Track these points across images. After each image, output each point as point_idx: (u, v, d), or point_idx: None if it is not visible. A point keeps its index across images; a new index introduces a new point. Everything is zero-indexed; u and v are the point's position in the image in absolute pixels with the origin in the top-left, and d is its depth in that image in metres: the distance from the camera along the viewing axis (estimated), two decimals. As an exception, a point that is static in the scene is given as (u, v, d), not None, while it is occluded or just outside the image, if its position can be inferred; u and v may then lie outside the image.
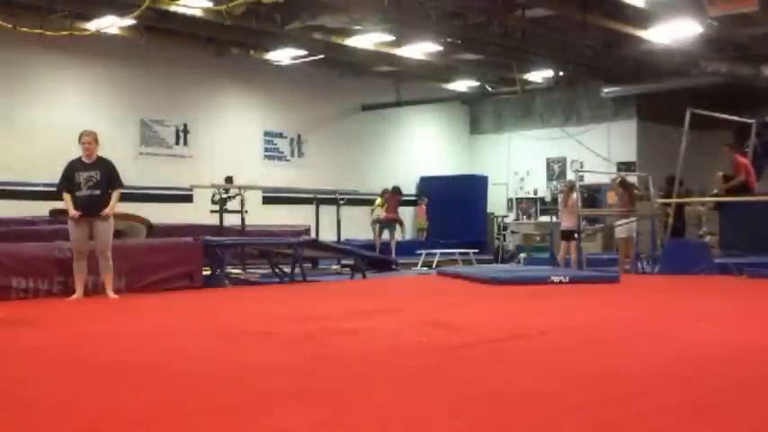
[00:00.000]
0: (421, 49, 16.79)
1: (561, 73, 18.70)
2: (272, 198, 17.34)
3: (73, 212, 8.34)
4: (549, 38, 16.26)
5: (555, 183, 21.21)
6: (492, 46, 16.72)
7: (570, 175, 19.01)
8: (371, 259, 13.49)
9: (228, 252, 10.94)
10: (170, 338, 5.52)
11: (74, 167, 8.52)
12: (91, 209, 8.39)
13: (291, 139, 19.30)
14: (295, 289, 10.48)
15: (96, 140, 8.60)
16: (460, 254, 17.59)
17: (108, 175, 8.53)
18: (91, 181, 8.44)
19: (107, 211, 8.41)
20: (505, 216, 21.59)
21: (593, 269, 12.30)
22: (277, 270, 11.72)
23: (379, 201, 18.03)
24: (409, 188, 21.21)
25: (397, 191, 17.56)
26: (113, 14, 13.52)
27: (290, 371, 4.10)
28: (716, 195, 13.75)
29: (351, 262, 13.00)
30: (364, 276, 12.06)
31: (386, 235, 17.05)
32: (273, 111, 18.86)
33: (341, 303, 8.04)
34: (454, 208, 19.86)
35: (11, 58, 14.65)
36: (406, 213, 21.04)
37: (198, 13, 13.70)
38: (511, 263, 17.61)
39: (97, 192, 8.43)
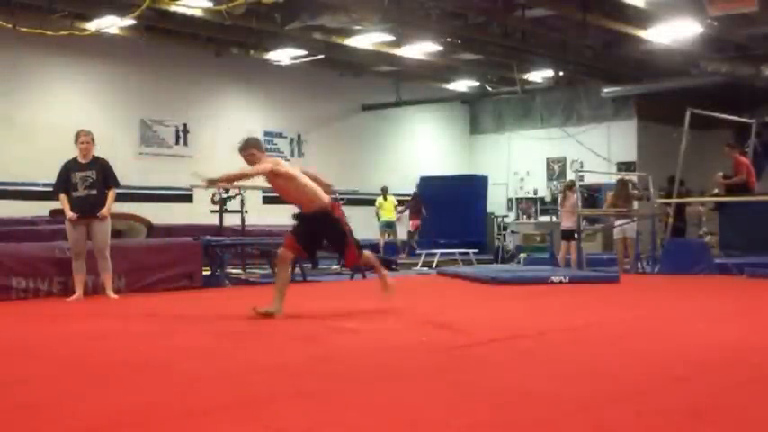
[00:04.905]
0: (421, 49, 16.79)
1: (561, 73, 18.70)
2: (272, 198, 17.29)
3: (70, 215, 8.30)
4: (549, 38, 16.27)
5: (555, 183, 21.20)
6: (492, 46, 16.72)
7: (570, 175, 19.01)
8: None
9: (228, 252, 10.93)
10: (170, 338, 5.52)
11: (70, 168, 8.47)
12: (88, 209, 8.36)
13: (291, 139, 19.29)
14: (295, 289, 10.44)
15: (93, 140, 8.58)
16: (460, 254, 17.58)
17: (104, 175, 8.49)
18: (87, 181, 8.40)
19: (104, 211, 8.37)
20: (505, 216, 21.59)
21: (593, 269, 12.30)
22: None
23: (379, 201, 18.04)
24: (409, 188, 21.21)
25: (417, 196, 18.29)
26: (113, 14, 13.52)
27: (290, 371, 4.10)
28: (716, 195, 13.75)
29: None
30: (364, 276, 12.05)
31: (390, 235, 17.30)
32: (273, 111, 18.85)
33: (341, 303, 8.04)
34: (454, 208, 19.85)
35: (11, 58, 14.65)
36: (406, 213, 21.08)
37: (198, 13, 13.70)
38: (511, 263, 17.61)
39: (94, 192, 8.39)
